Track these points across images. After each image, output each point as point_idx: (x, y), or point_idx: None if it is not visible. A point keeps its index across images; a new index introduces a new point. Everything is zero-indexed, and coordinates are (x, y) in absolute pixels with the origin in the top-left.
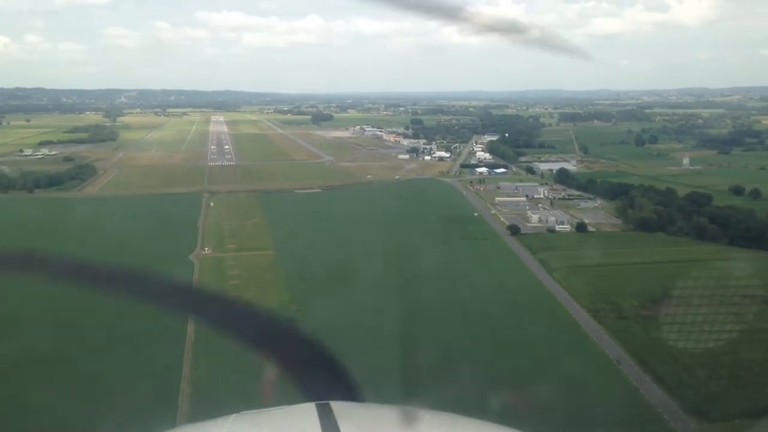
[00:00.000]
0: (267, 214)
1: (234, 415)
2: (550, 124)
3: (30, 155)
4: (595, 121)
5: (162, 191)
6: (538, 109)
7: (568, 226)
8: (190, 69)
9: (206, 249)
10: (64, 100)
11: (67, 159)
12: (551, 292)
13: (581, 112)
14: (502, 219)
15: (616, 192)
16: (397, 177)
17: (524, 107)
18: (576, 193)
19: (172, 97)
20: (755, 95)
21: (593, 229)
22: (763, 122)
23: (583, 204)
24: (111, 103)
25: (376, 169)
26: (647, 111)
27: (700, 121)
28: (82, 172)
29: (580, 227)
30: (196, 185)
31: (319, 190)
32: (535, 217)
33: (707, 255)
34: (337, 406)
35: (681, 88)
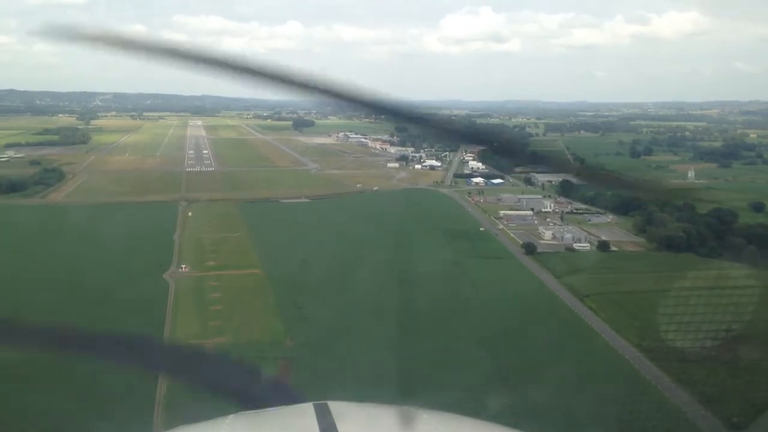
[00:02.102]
0: (252, 226)
1: (231, 415)
2: (537, 134)
3: None
4: (582, 132)
5: (134, 199)
6: (520, 119)
7: (588, 245)
8: (167, 73)
9: (183, 266)
10: (38, 102)
11: (34, 162)
12: (591, 326)
13: (566, 122)
14: (512, 235)
15: (629, 206)
16: (376, 188)
17: (507, 117)
18: (583, 206)
19: (149, 101)
20: (734, 109)
21: (615, 248)
22: (752, 136)
23: (594, 219)
24: (86, 106)
25: (366, 177)
26: (631, 123)
27: (688, 133)
28: (48, 177)
29: (602, 246)
30: (172, 193)
31: (307, 200)
32: (548, 234)
33: (760, 281)
34: (335, 406)
35: (658, 102)
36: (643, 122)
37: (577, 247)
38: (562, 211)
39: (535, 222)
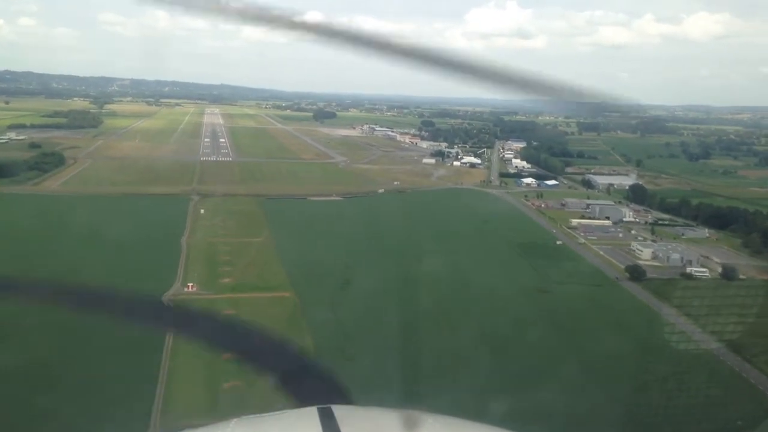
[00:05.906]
0: (277, 229)
1: (235, 419)
2: (572, 133)
3: None
4: (619, 132)
5: (139, 190)
6: (548, 117)
7: (705, 270)
8: (186, 61)
9: (190, 285)
10: (54, 85)
11: (34, 145)
12: None
13: (598, 122)
14: (599, 252)
15: (726, 218)
16: (394, 186)
17: (533, 115)
18: (665, 216)
19: (167, 88)
20: (765, 114)
21: (742, 276)
22: None
23: (689, 233)
24: (102, 90)
25: (402, 174)
26: (668, 125)
27: (732, 137)
28: (46, 162)
29: (728, 272)
30: (183, 184)
31: (340, 198)
32: (646, 252)
33: None
34: (339, 410)
35: (683, 105)
36: (680, 125)
37: (694, 273)
38: (648, 222)
39: (620, 235)
